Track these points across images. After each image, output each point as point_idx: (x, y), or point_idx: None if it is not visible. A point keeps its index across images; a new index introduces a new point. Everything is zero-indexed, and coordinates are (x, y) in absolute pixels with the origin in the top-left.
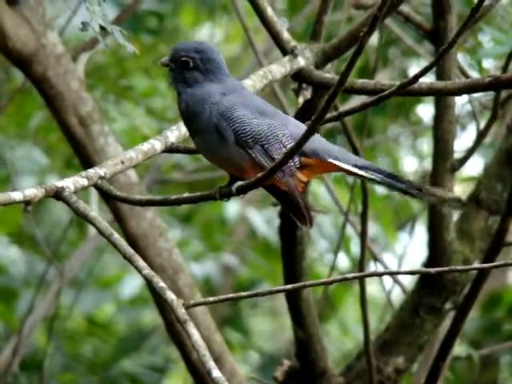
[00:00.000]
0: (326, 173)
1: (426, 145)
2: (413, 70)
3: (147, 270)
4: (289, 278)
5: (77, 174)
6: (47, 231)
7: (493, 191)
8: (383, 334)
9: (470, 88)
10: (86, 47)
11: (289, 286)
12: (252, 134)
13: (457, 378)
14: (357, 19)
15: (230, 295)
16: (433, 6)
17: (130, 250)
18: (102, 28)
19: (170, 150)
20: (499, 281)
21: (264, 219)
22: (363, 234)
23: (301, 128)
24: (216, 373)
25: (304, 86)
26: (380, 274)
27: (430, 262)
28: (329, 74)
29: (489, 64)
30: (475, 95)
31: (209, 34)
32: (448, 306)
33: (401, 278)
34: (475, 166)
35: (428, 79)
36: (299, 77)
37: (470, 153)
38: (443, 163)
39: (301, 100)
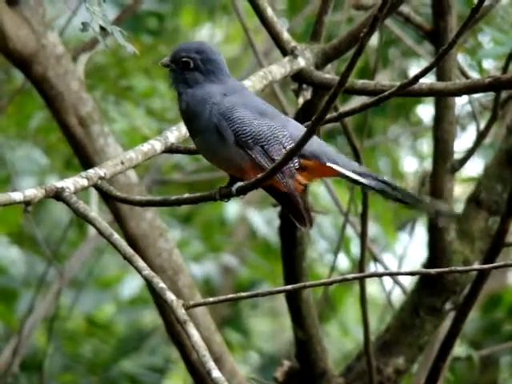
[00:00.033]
0: (324, 177)
1: (426, 145)
2: (413, 71)
3: (147, 271)
4: (289, 279)
5: (77, 175)
6: (47, 231)
7: (493, 192)
8: (383, 335)
9: (470, 88)
10: (86, 48)
11: (289, 287)
12: (252, 135)
13: (457, 378)
14: (357, 20)
15: (230, 296)
16: (433, 6)
17: (129, 251)
18: (102, 28)
19: (170, 150)
20: (499, 281)
21: (264, 220)
22: (363, 235)
23: (301, 130)
24: (216, 373)
25: (304, 86)
26: (380, 275)
27: (430, 263)
28: (329, 74)
29: (489, 64)
30: (475, 96)
31: (209, 35)
32: (448, 306)
33: (401, 278)
34: (475, 167)
35: (428, 80)
36: (299, 77)
37: (470, 153)
38: (443, 164)
39: (301, 100)
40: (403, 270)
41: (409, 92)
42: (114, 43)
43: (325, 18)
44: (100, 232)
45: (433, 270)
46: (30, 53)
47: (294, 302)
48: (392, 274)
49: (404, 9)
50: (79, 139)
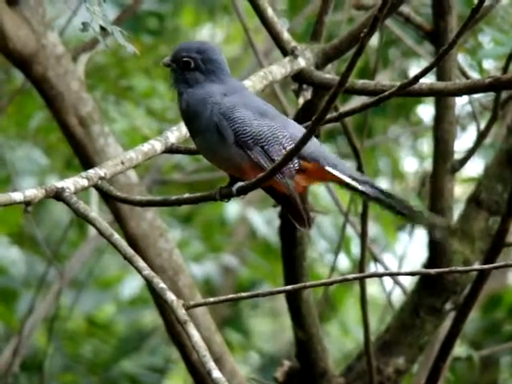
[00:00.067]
0: (322, 181)
1: (427, 145)
2: (413, 71)
3: (147, 271)
4: (289, 279)
5: (77, 175)
6: (47, 232)
7: (493, 192)
8: (383, 335)
9: (471, 89)
10: (86, 48)
11: (289, 287)
12: (252, 135)
13: (457, 378)
14: (357, 20)
15: (231, 296)
16: (433, 6)
17: (130, 251)
18: (103, 28)
19: (170, 150)
20: (499, 281)
21: (264, 220)
22: (363, 235)
23: (301, 131)
24: (216, 373)
25: (304, 86)
26: (380, 275)
27: (430, 263)
28: (329, 74)
29: (489, 65)
30: (475, 96)
31: (209, 35)
32: (448, 306)
33: (401, 278)
34: (475, 167)
35: (428, 80)
36: (299, 77)
37: (470, 153)
38: (443, 164)
39: (301, 101)
40: (403, 270)
41: (409, 92)
42: (114, 43)
43: (325, 18)
44: (100, 232)
45: (433, 270)
46: (30, 53)
47: (295, 302)
48: (392, 274)
49: (404, 9)
50: (79, 139)
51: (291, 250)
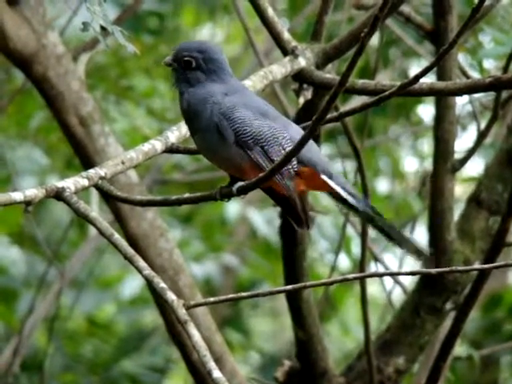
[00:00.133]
0: (314, 189)
1: (427, 145)
2: (413, 71)
3: (148, 271)
4: (289, 279)
5: (77, 175)
6: (48, 231)
7: (493, 191)
8: (384, 334)
9: (471, 88)
10: (87, 47)
11: (289, 287)
12: (252, 135)
13: (457, 378)
14: (358, 19)
15: (231, 296)
16: (433, 6)
17: (130, 251)
18: (103, 28)
19: (171, 150)
20: (500, 281)
21: (264, 219)
22: (364, 235)
23: (301, 133)
24: (216, 373)
25: (305, 86)
26: (381, 275)
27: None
28: (329, 74)
29: (489, 64)
30: (476, 95)
31: (210, 35)
32: (449, 306)
33: (401, 278)
34: (476, 167)
35: (429, 79)
36: (300, 77)
37: (470, 153)
38: (444, 163)
39: (301, 100)
40: (404, 269)
41: (409, 92)
42: (115, 43)
43: (325, 18)
44: (101, 232)
45: (433, 270)
46: (31, 52)
47: (295, 301)
48: (392, 274)
49: (405, 9)
50: (80, 139)
51: (291, 249)
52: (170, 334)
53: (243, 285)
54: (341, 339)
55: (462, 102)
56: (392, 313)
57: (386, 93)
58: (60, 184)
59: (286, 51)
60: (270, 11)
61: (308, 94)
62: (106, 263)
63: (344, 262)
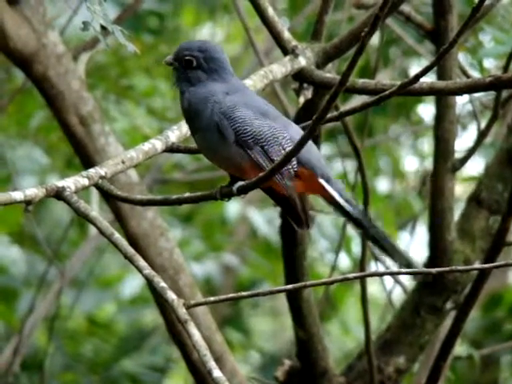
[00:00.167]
0: (310, 192)
1: (427, 144)
2: (414, 70)
3: (148, 270)
4: (289, 278)
5: (77, 174)
6: (48, 231)
7: (494, 191)
8: (384, 334)
9: (471, 88)
10: (87, 47)
11: (290, 286)
12: (253, 135)
13: (458, 377)
14: (358, 19)
15: (231, 295)
16: (434, 5)
17: (130, 250)
18: (103, 28)
19: (171, 149)
20: (500, 281)
21: (265, 219)
22: None
23: (301, 133)
24: (217, 373)
25: (305, 85)
26: (381, 274)
27: (430, 262)
28: (330, 73)
29: (490, 64)
30: (476, 95)
31: (210, 34)
32: (449, 305)
33: (402, 277)
34: (476, 166)
35: (429, 79)
36: (300, 76)
37: (470, 152)
38: (444, 163)
39: (302, 100)
40: (404, 269)
41: (409, 91)
42: (115, 42)
43: (325, 18)
44: (101, 231)
45: (434, 270)
46: (31, 52)
47: (295, 301)
48: (393, 274)
49: (405, 8)
50: (80, 138)
51: (292, 249)
52: (170, 333)
53: (243, 284)
54: (341, 339)
55: (462, 102)
56: (392, 312)
57: (387, 92)
58: (60, 183)
59: (286, 51)
60: (270, 11)
61: (308, 93)
62: (107, 263)
63: (344, 261)
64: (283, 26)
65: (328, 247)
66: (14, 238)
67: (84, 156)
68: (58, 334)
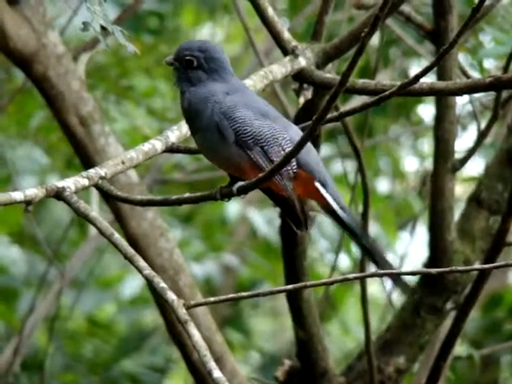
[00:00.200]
0: (307, 196)
1: (427, 145)
2: (414, 70)
3: (148, 271)
4: (289, 278)
5: (77, 174)
6: (48, 231)
7: (494, 191)
8: (384, 334)
9: (471, 88)
10: (87, 47)
11: (290, 287)
12: (253, 135)
13: (458, 377)
14: (358, 19)
15: (231, 295)
16: (434, 6)
17: (130, 250)
18: (103, 28)
19: (171, 150)
20: (500, 281)
21: (265, 219)
22: None
23: (300, 135)
24: (217, 373)
25: (305, 86)
26: (381, 275)
27: (431, 262)
28: (330, 74)
29: (490, 64)
30: (476, 95)
31: (210, 34)
32: (449, 305)
33: (402, 277)
34: (476, 166)
35: (429, 79)
36: (300, 77)
37: (470, 153)
38: (444, 163)
39: (302, 100)
40: (404, 269)
41: (409, 91)
42: (115, 43)
43: (325, 18)
44: (101, 232)
45: (434, 270)
46: (31, 52)
47: (295, 301)
48: (393, 274)
49: (405, 8)
50: (80, 139)
51: (292, 249)
52: (170, 333)
53: (243, 284)
54: (341, 339)
55: (462, 102)
56: (392, 313)
57: (387, 92)
58: (60, 184)
59: (286, 51)
60: (270, 11)
61: (308, 93)
62: (107, 263)
63: (344, 261)
64: (283, 26)
65: (328, 247)
66: (14, 238)
67: (84, 156)
68: (58, 335)
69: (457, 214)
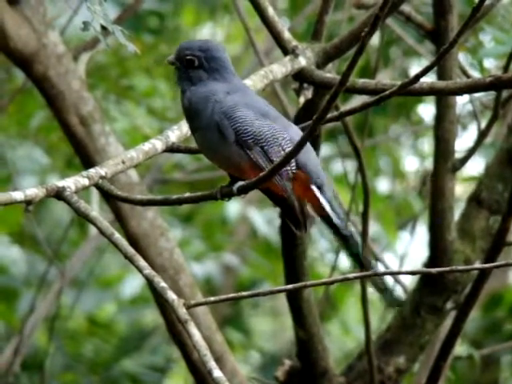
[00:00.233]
0: (303, 198)
1: (427, 145)
2: (414, 70)
3: (148, 270)
4: (290, 278)
5: (78, 174)
6: (48, 231)
7: (494, 191)
8: (384, 334)
9: (471, 88)
10: (87, 47)
11: (290, 286)
12: (253, 135)
13: (458, 377)
14: (358, 19)
15: (231, 295)
16: (434, 5)
17: (130, 250)
18: (103, 28)
19: (171, 149)
20: (500, 281)
21: (265, 219)
22: (364, 234)
23: (300, 135)
24: (217, 373)
25: (305, 85)
26: (381, 274)
27: (431, 262)
28: (330, 73)
29: (490, 64)
30: (476, 95)
31: (210, 34)
32: (449, 305)
33: (402, 277)
34: (476, 166)
35: (429, 79)
36: (300, 76)
37: (471, 152)
38: (444, 163)
39: (302, 100)
40: (404, 269)
41: (410, 91)
42: (115, 42)
43: (326, 18)
44: (101, 231)
45: (434, 270)
46: (31, 52)
47: (295, 301)
48: (393, 274)
49: (405, 8)
50: (80, 138)
51: (292, 249)
52: (170, 333)
53: (244, 284)
54: (341, 339)
55: (462, 102)
56: (392, 312)
57: (387, 92)
58: (60, 183)
59: (286, 51)
60: (271, 11)
61: (308, 93)
62: (107, 263)
63: (344, 261)
64: (283, 26)
65: (328, 247)
66: (14, 238)
67: (84, 156)
68: (58, 334)
69: (457, 213)
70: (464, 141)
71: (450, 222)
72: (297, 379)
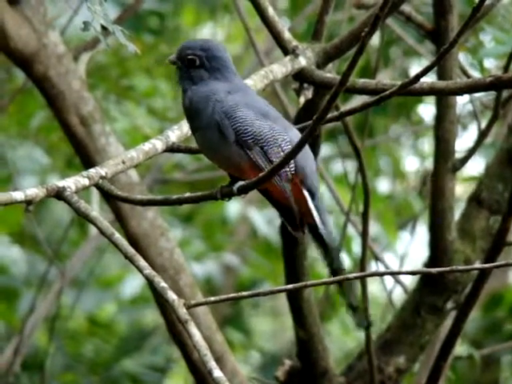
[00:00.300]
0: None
1: (428, 145)
2: (414, 70)
3: (148, 270)
4: (290, 278)
5: (78, 174)
6: (48, 231)
7: (494, 191)
8: (384, 334)
9: (472, 88)
10: (88, 47)
11: (290, 286)
12: (253, 135)
13: (458, 377)
14: (358, 19)
15: (232, 295)
16: (434, 5)
17: (131, 250)
18: (104, 28)
19: (172, 149)
20: (500, 281)
21: (265, 219)
22: (364, 234)
23: (299, 136)
24: (217, 373)
25: (305, 85)
26: (381, 274)
27: (431, 262)
28: (330, 73)
29: (490, 64)
30: (476, 95)
31: (210, 34)
32: (449, 305)
33: (402, 277)
34: (476, 166)
35: (429, 79)
36: (300, 76)
37: (471, 152)
38: (444, 163)
39: (302, 100)
40: (404, 269)
41: (410, 91)
42: (116, 42)
43: (326, 18)
44: (101, 231)
45: (434, 270)
46: (31, 52)
47: (296, 301)
48: (393, 273)
49: (405, 8)
50: (80, 138)
51: (292, 249)
52: (170, 333)
53: (244, 284)
54: (341, 339)
55: (462, 102)
56: (393, 312)
57: (387, 92)
58: (61, 183)
59: (286, 51)
60: (271, 10)
61: (308, 93)
62: (107, 263)
63: (345, 261)
64: (283, 26)
65: None
66: (14, 238)
67: (84, 156)
68: (58, 334)
69: (457, 213)
70: (464, 141)
71: (450, 222)
72: (297, 379)
